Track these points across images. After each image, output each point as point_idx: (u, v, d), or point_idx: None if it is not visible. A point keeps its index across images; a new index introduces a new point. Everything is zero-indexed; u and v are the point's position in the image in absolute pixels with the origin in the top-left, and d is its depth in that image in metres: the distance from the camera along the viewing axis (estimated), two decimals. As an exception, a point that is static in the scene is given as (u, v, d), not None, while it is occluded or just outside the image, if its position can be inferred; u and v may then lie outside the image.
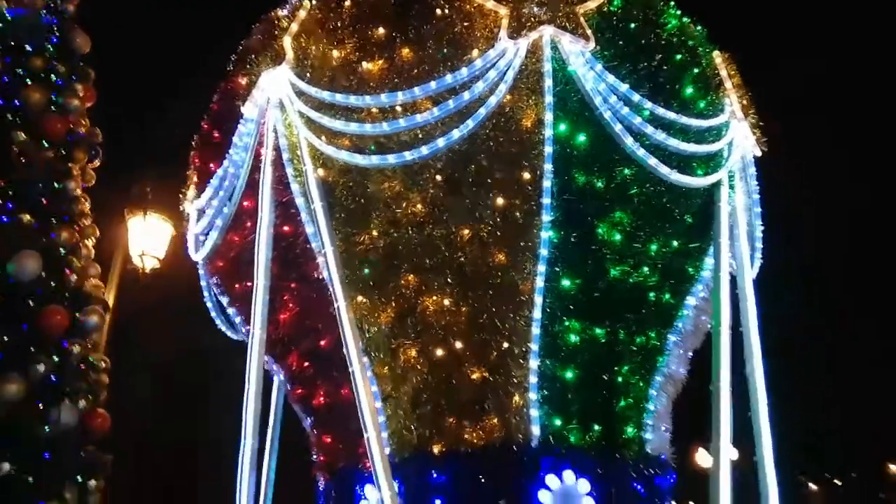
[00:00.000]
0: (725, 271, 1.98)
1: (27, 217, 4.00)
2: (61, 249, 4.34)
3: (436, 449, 1.77)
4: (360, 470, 1.87)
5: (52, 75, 4.18)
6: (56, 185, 4.34)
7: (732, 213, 2.11)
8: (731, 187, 2.12)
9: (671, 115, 1.91)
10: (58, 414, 3.82)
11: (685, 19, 2.14)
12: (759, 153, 2.26)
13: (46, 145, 4.24)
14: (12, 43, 4.13)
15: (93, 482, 4.08)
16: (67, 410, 3.90)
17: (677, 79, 2.00)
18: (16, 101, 4.36)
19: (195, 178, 2.39)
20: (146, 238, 7.30)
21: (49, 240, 4.24)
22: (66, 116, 4.62)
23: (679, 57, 2.01)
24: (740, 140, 2.12)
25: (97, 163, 4.71)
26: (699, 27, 2.21)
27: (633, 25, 1.94)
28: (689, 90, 2.02)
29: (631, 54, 1.91)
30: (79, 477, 3.91)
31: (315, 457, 2.14)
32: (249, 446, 1.71)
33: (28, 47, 4.13)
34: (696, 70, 2.06)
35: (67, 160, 4.59)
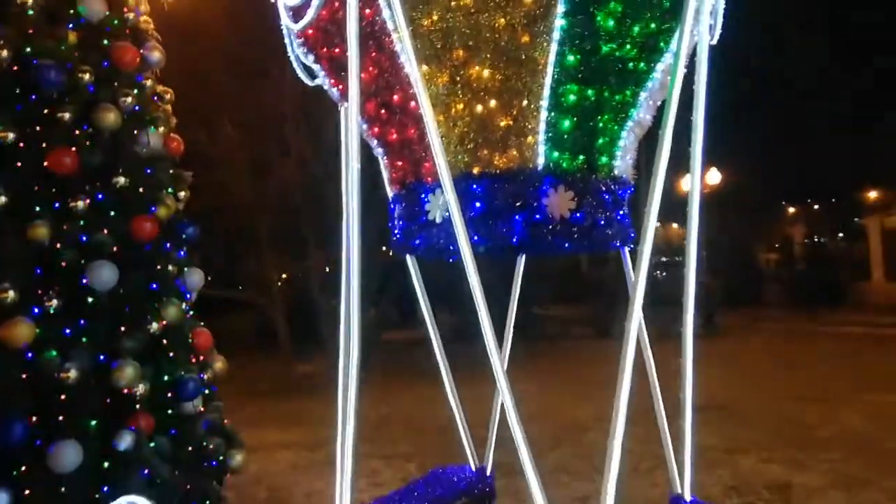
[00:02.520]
0: (685, 47, 2.70)
1: (82, -42, 4.46)
2: (115, -11, 4.83)
3: (475, 170, 2.69)
4: (424, 183, 2.83)
5: None
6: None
7: (701, -1, 2.76)
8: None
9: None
10: (147, 138, 4.75)
11: None
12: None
13: None
14: None
15: (182, 193, 5.17)
16: (153, 136, 4.83)
17: None
18: None
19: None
20: (164, -36, 7.52)
21: (104, -20, 4.70)
22: None
23: None
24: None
25: None
26: None
27: None
28: None
29: None
30: (171, 189, 4.98)
31: (388, 175, 3.09)
32: (355, 170, 2.61)
33: None
34: None
35: None
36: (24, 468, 3.71)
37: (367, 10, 2.60)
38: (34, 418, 3.78)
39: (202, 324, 5.14)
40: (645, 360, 3.41)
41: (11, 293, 3.79)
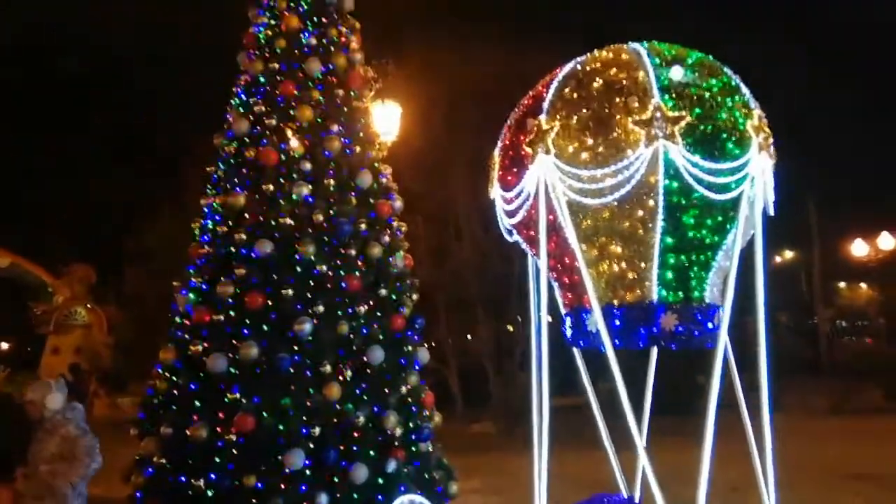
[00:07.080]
0: (740, 230, 4.64)
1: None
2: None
3: (615, 302, 4.78)
4: (584, 307, 4.96)
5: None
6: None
7: (753, 196, 4.69)
8: (752, 182, 4.67)
9: (718, 166, 4.48)
10: (396, 261, 7.24)
11: (736, 99, 4.55)
12: (773, 161, 4.73)
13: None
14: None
15: (415, 296, 7.57)
16: (399, 259, 7.33)
17: (724, 142, 4.51)
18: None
19: (495, 175, 5.28)
20: (383, 121, 10.61)
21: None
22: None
23: (727, 136, 4.49)
24: (758, 162, 4.61)
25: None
26: (744, 97, 4.60)
27: (702, 128, 4.45)
28: (730, 146, 4.53)
29: (701, 141, 4.45)
30: (409, 293, 7.40)
31: (562, 300, 5.27)
32: (544, 298, 4.80)
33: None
34: (736, 134, 4.53)
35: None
36: (336, 479, 6.15)
37: (550, 216, 4.85)
38: (341, 447, 6.24)
39: (426, 387, 7.51)
40: (758, 428, 5.11)
41: (328, 366, 6.34)
